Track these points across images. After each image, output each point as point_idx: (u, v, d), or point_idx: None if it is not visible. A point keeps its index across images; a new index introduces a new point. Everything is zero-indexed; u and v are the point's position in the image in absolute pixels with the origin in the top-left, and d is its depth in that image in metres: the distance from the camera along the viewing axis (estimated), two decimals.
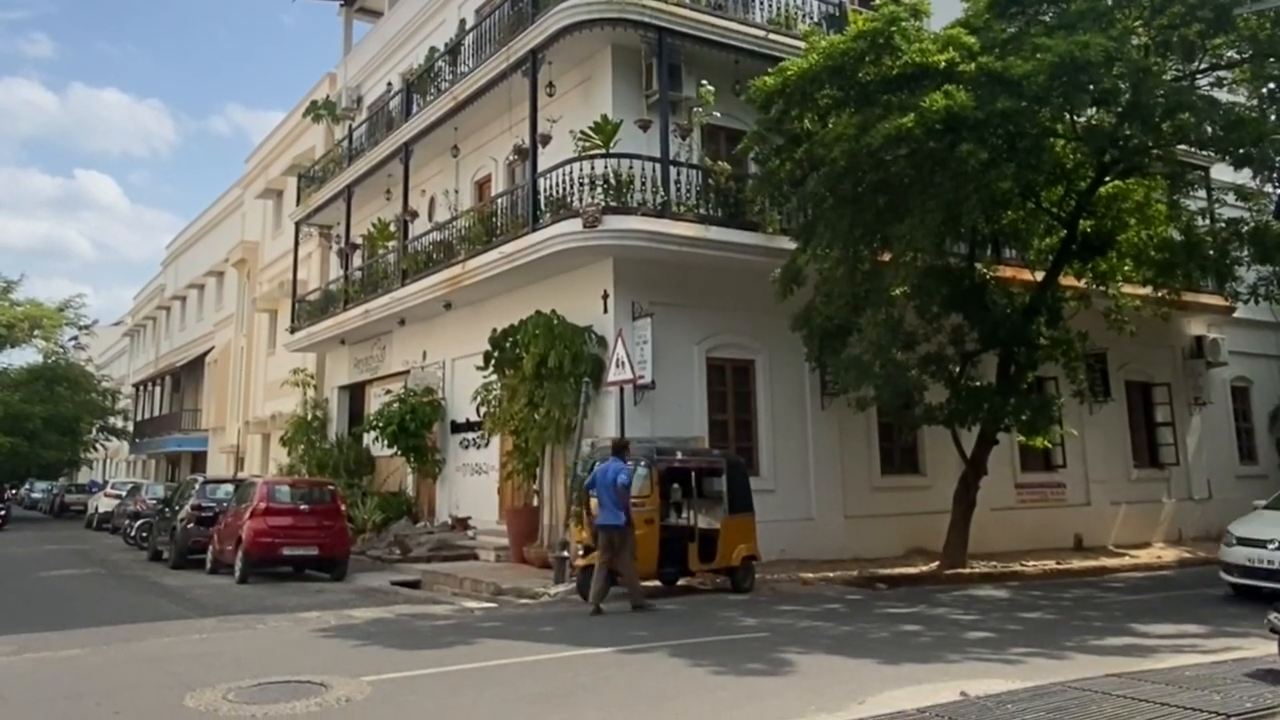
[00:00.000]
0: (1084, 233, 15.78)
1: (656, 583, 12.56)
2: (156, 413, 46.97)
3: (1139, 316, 17.87)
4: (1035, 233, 16.57)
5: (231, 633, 10.14)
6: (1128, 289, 17.40)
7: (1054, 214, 15.74)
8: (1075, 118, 14.14)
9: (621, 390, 14.08)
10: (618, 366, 13.94)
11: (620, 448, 11.81)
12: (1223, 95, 13.77)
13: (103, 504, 33.02)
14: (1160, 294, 17.11)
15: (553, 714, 6.26)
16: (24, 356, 47.93)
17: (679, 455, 12.76)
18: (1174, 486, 21.34)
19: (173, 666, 8.01)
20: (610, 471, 11.29)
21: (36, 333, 43.48)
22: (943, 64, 12.55)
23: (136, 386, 51.75)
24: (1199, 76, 13.88)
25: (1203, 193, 18.89)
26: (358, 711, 6.34)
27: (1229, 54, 13.54)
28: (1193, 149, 15.45)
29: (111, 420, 49.27)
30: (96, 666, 8.23)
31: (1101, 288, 16.93)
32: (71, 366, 46.41)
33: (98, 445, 51.61)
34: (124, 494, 31.18)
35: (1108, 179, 15.10)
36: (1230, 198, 17.49)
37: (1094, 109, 14.07)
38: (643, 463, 12.19)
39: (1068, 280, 16.47)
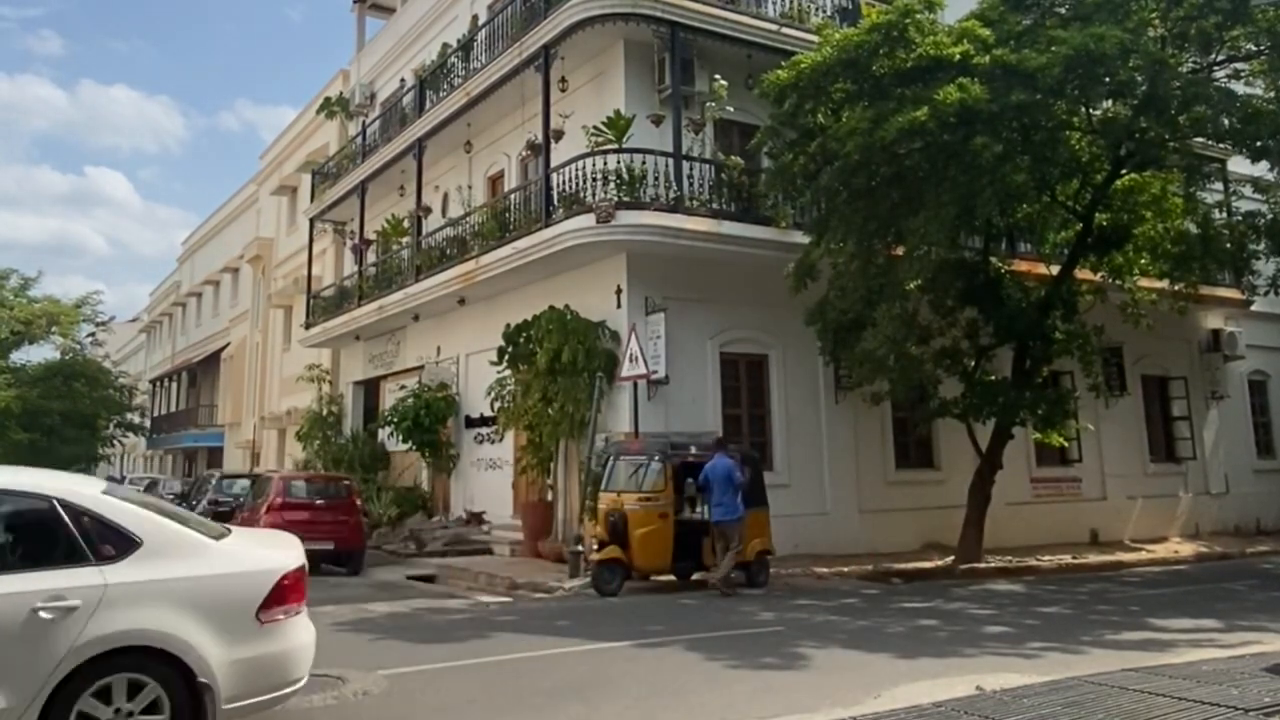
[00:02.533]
0: (1100, 226, 15.70)
1: (671, 577, 12.58)
2: (173, 408, 47.30)
3: (1155, 310, 17.78)
4: (1050, 226, 16.50)
5: None
6: (1144, 283, 17.30)
7: (1069, 207, 15.65)
8: (1091, 111, 14.06)
9: (635, 385, 14.10)
10: (631, 361, 13.97)
11: (722, 443, 12.54)
12: (1240, 87, 13.66)
13: None
14: (1177, 287, 17.01)
15: (568, 707, 6.28)
16: (42, 353, 48.15)
17: (693, 450, 12.77)
18: (1191, 481, 21.23)
19: None
20: (720, 468, 11.92)
21: (54, 329, 43.69)
22: (957, 57, 12.50)
23: (153, 382, 52.09)
24: (1216, 69, 13.78)
25: (1220, 185, 18.76)
26: (374, 705, 6.37)
27: (1247, 46, 13.42)
28: (1210, 141, 15.34)
29: (129, 416, 49.55)
30: None
31: (1117, 281, 16.84)
32: (89, 363, 46.63)
33: (115, 441, 51.92)
34: (141, 489, 31.39)
35: (1124, 172, 15.02)
36: (1247, 190, 17.35)
37: (1110, 102, 13.98)
38: (656, 457, 12.23)
39: (1083, 274, 16.38)
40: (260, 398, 34.81)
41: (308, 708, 6.26)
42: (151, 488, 29.69)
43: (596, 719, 6.00)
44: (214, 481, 19.76)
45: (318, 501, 15.98)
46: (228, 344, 39.85)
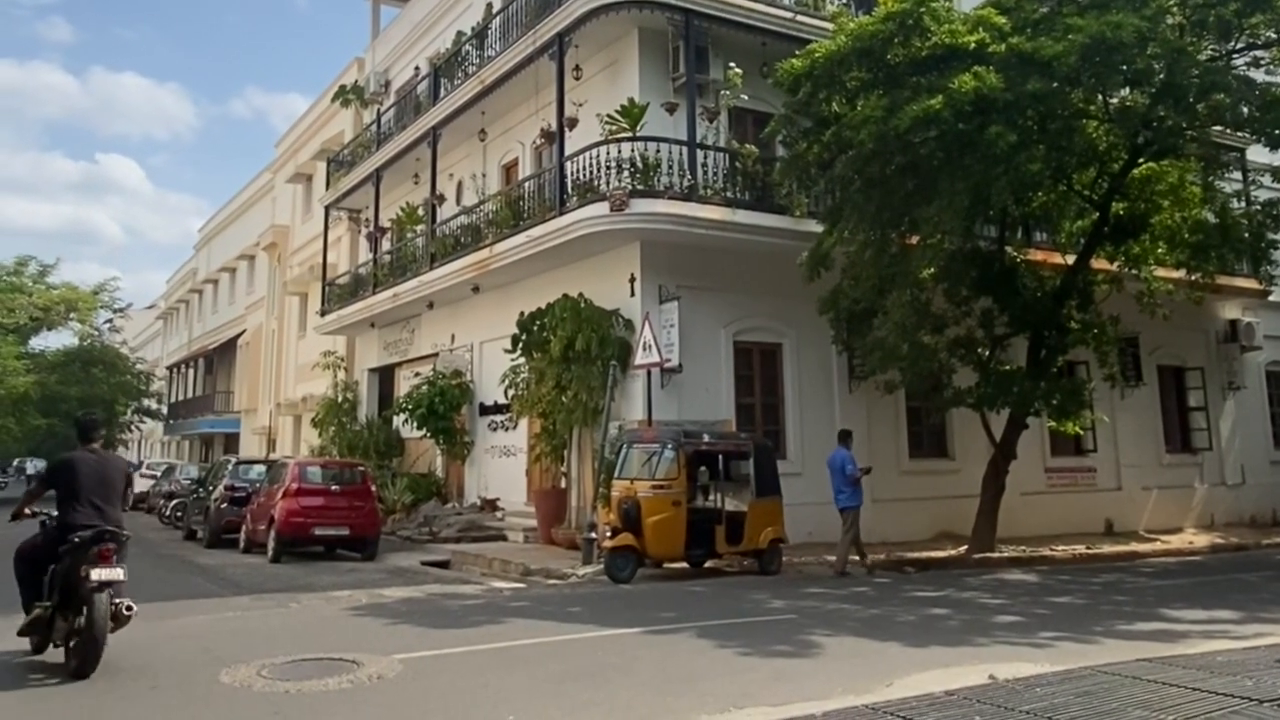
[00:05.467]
0: (1116, 215, 15.61)
1: (684, 564, 12.63)
2: (190, 395, 47.61)
3: (1172, 300, 17.66)
4: (1066, 215, 16.41)
5: (265, 611, 10.29)
6: (1160, 272, 17.19)
7: (1086, 196, 15.56)
8: (1108, 99, 13.96)
9: (649, 373, 14.13)
10: (645, 350, 13.99)
11: (845, 436, 13.68)
12: (1260, 75, 13.54)
13: (138, 484, 33.56)
14: (1194, 277, 16.88)
15: (581, 693, 6.33)
16: (60, 339, 48.62)
17: (706, 438, 12.81)
18: (1206, 471, 21.14)
19: (208, 643, 8.16)
20: (837, 459, 13.28)
21: (72, 316, 44.06)
22: (972, 45, 12.43)
23: (170, 369, 52.44)
24: (1235, 56, 13.64)
25: (1238, 174, 18.61)
26: (389, 689, 6.43)
27: (1266, 34, 13.28)
28: (1228, 130, 15.21)
29: (146, 402, 49.96)
30: (134, 643, 8.38)
31: (1134, 271, 16.74)
32: (106, 349, 47.04)
33: (133, 427, 52.36)
34: (159, 474, 31.66)
35: (1141, 161, 14.91)
36: (1266, 179, 17.18)
37: (1127, 90, 13.88)
38: (669, 445, 12.25)
39: (1099, 263, 16.30)
40: (276, 384, 35.00)
41: (323, 691, 6.34)
42: (168, 473, 29.97)
43: (608, 703, 6.04)
44: (230, 467, 19.86)
45: (333, 487, 16.10)
46: (244, 331, 40.06)
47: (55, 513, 7.08)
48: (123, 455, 41.19)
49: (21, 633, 7.11)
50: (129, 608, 6.88)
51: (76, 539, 6.72)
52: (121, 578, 6.81)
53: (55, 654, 7.13)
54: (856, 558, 13.49)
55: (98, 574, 6.62)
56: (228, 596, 11.51)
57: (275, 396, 34.64)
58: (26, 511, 7.34)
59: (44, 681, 6.69)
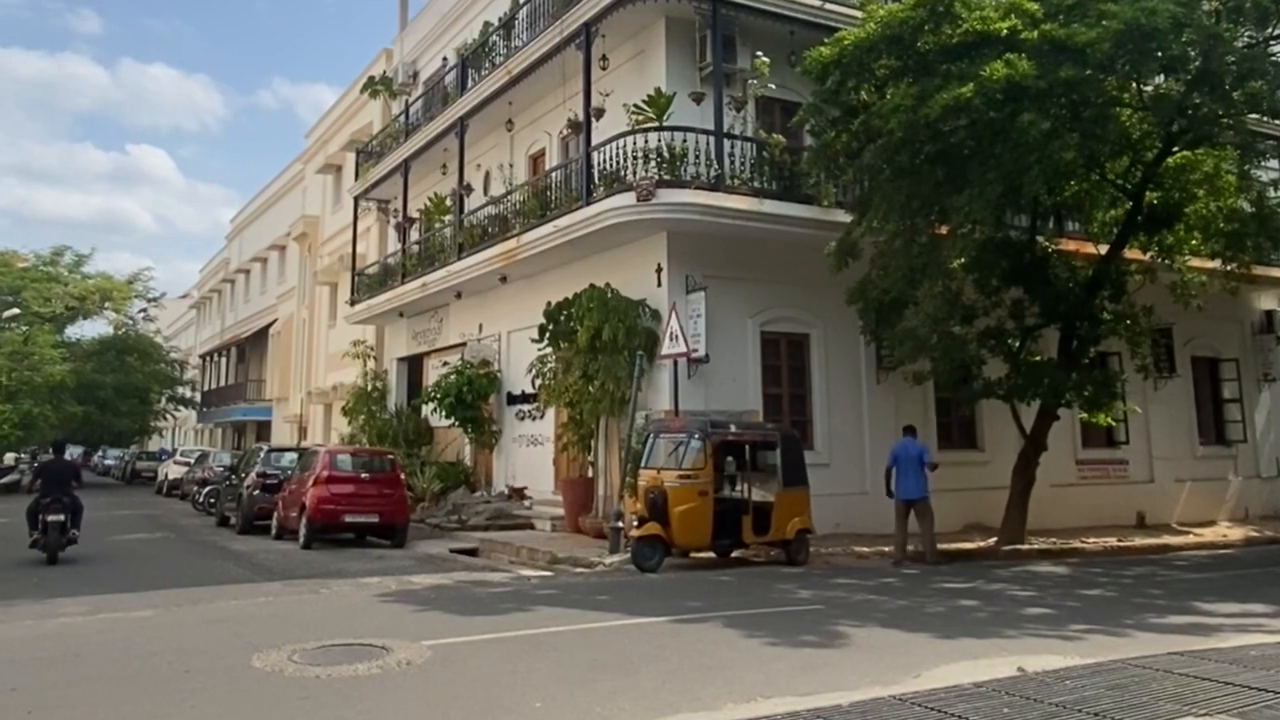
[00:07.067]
0: (1150, 204, 15.40)
1: (711, 554, 12.65)
2: (223, 383, 48.16)
3: (1206, 290, 17.43)
4: (1099, 205, 16.22)
5: (296, 596, 10.42)
6: (1195, 262, 16.96)
7: (1119, 185, 15.37)
8: (1142, 86, 13.76)
9: (675, 363, 14.14)
10: (671, 340, 13.99)
11: (912, 429, 14.07)
12: None
13: (172, 471, 34.09)
14: (1229, 267, 16.62)
15: (608, 681, 6.36)
16: (95, 328, 49.27)
17: (733, 428, 12.80)
18: (1241, 464, 20.87)
19: (240, 628, 8.27)
20: (912, 449, 13.53)
21: (107, 305, 44.71)
22: (1004, 32, 12.28)
23: (203, 357, 53.09)
24: (1273, 42, 13.41)
25: (1275, 163, 18.26)
26: (418, 674, 6.50)
27: None
28: (1265, 118, 14.94)
29: (179, 390, 50.61)
30: (167, 627, 8.52)
31: (1167, 261, 16.51)
32: (141, 338, 47.67)
33: (167, 414, 53.06)
34: (192, 461, 32.11)
35: (1175, 149, 14.69)
36: None
37: (1161, 77, 13.67)
38: (696, 435, 12.25)
39: (1133, 253, 16.09)
40: (307, 373, 35.33)
41: (353, 676, 6.41)
42: (201, 460, 30.36)
43: (635, 691, 6.07)
44: (262, 455, 20.12)
45: (363, 475, 16.26)
46: (275, 320, 40.43)
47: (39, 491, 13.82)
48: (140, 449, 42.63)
49: (30, 546, 13.46)
50: (76, 534, 13.79)
51: (43, 501, 13.54)
52: (61, 518, 13.40)
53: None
54: (889, 548, 13.48)
55: (50, 517, 13.40)
56: (259, 582, 11.67)
57: (306, 385, 34.98)
58: (34, 489, 14.07)
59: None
